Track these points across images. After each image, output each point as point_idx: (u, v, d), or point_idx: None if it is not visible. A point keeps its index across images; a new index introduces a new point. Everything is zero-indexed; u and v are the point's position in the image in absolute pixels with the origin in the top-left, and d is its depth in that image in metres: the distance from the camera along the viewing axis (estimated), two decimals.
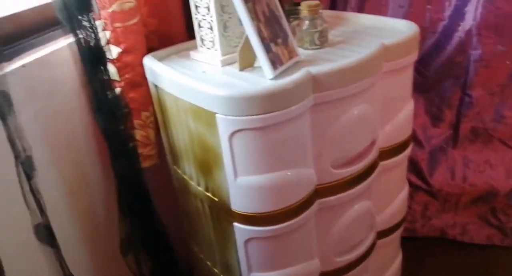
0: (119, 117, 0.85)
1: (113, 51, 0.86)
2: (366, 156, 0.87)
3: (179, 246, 1.14)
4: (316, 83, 0.73)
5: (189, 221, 1.01)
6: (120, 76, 0.88)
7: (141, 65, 0.88)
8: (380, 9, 1.27)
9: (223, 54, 0.84)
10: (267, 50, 0.74)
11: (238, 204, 0.78)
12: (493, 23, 1.22)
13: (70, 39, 0.84)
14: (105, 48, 0.83)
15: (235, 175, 0.74)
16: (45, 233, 0.70)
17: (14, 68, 0.73)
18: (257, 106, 0.68)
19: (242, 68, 0.80)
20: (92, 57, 0.80)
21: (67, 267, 0.75)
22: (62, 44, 0.82)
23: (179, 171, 0.94)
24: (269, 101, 0.69)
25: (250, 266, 0.85)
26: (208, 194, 0.84)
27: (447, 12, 1.25)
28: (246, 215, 0.78)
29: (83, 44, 0.78)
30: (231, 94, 0.68)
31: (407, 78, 0.92)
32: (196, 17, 0.84)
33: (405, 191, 1.08)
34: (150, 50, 0.92)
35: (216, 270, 0.99)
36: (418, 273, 1.32)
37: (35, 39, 0.82)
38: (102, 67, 0.81)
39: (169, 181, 1.03)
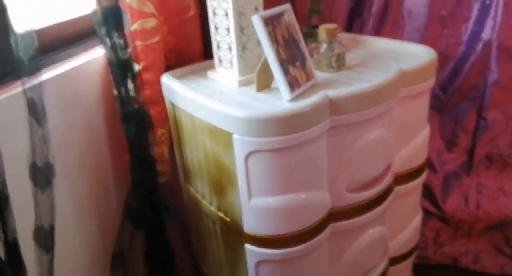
0: (144, 128, 0.88)
1: (135, 68, 0.87)
2: (381, 180, 0.86)
3: (186, 266, 1.13)
4: (333, 106, 0.73)
5: (199, 240, 1.01)
6: (139, 92, 0.88)
7: (159, 83, 0.89)
8: (396, 33, 1.27)
9: (241, 75, 0.85)
10: (285, 72, 0.75)
11: (250, 225, 0.77)
12: (509, 47, 1.21)
13: (92, 56, 0.86)
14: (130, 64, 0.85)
15: (249, 196, 0.74)
16: (45, 236, 0.70)
17: (35, 83, 0.74)
18: (274, 128, 0.68)
19: (259, 89, 0.80)
20: (121, 70, 0.83)
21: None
22: (87, 59, 0.84)
23: (191, 189, 0.93)
24: (286, 123, 0.69)
25: None
26: (220, 214, 0.83)
27: (464, 37, 1.26)
28: (258, 237, 0.77)
29: (115, 58, 0.82)
30: (249, 115, 0.68)
31: (423, 103, 0.91)
32: (215, 38, 0.85)
33: (418, 218, 1.06)
34: (167, 67, 0.93)
35: None
36: None
37: (60, 53, 0.84)
38: (129, 80, 0.84)
39: (179, 199, 1.02)
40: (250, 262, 0.81)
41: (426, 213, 1.45)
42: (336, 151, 0.77)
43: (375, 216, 0.87)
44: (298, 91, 0.77)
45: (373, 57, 0.94)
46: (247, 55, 0.85)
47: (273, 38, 0.74)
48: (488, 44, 1.23)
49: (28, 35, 0.78)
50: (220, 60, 0.88)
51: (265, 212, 0.75)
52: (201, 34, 0.99)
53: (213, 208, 0.86)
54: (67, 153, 0.82)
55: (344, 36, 1.08)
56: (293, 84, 0.76)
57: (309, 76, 0.81)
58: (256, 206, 0.74)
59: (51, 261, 0.72)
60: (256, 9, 0.83)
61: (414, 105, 0.88)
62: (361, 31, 1.28)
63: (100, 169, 0.91)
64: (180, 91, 0.81)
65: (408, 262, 1.07)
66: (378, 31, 1.26)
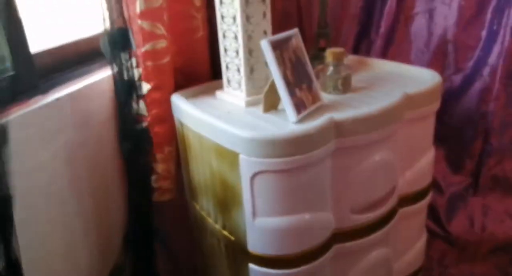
0: (143, 150, 0.88)
1: (143, 88, 0.89)
2: (385, 202, 0.86)
3: None
4: (338, 129, 0.74)
5: (203, 258, 1.01)
6: (148, 111, 0.90)
7: (168, 102, 0.91)
8: (402, 55, 1.29)
9: (248, 95, 0.86)
10: (292, 94, 0.76)
11: (254, 245, 0.78)
12: None
13: (104, 74, 0.88)
14: (137, 84, 0.87)
15: (254, 215, 0.75)
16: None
17: (48, 101, 0.76)
18: (280, 149, 0.70)
19: (266, 111, 0.82)
20: (125, 90, 0.85)
21: None
22: (95, 79, 0.86)
23: (197, 207, 0.94)
24: (292, 145, 0.70)
25: None
26: (225, 232, 0.84)
27: (470, 61, 1.27)
28: (262, 256, 0.77)
29: (119, 78, 0.83)
30: (255, 136, 0.70)
31: (428, 126, 0.92)
32: (224, 60, 0.88)
33: (423, 239, 1.06)
34: (175, 86, 0.95)
35: None
36: None
37: (69, 73, 0.86)
38: (133, 101, 0.86)
39: (184, 216, 1.03)
40: None
41: (432, 234, 1.44)
42: (341, 173, 0.78)
43: (379, 238, 0.87)
44: (304, 113, 0.78)
45: (379, 80, 0.96)
46: (255, 77, 0.86)
47: (281, 61, 0.76)
48: (494, 70, 1.24)
49: (40, 55, 0.82)
50: (228, 81, 0.90)
51: (270, 232, 0.75)
52: (209, 55, 1.01)
53: (218, 226, 0.86)
54: (76, 171, 0.83)
55: (351, 58, 1.10)
56: (299, 106, 0.77)
57: (315, 98, 0.82)
58: (261, 225, 0.75)
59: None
60: (265, 33, 0.86)
61: (419, 127, 0.89)
62: (368, 52, 1.30)
63: (108, 187, 0.92)
64: (188, 111, 0.83)
65: None
66: (384, 53, 1.28)
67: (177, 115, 0.89)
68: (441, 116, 1.34)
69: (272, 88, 0.78)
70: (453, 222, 1.44)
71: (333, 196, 0.79)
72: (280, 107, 0.83)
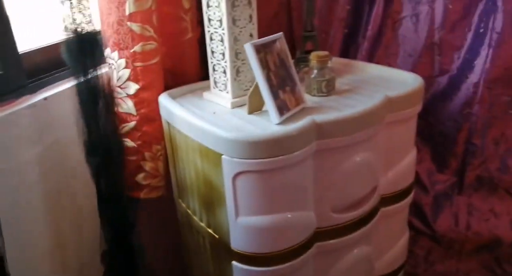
0: (115, 164, 0.87)
1: (132, 88, 0.91)
2: (367, 202, 0.89)
3: None
4: (319, 130, 0.76)
5: (189, 255, 1.03)
6: (136, 110, 0.92)
7: (156, 102, 0.93)
8: (389, 57, 1.31)
9: (234, 97, 0.88)
10: (275, 97, 0.78)
11: (237, 243, 0.80)
12: (501, 76, 1.25)
13: (92, 74, 0.89)
14: (107, 93, 0.84)
15: (236, 214, 0.77)
16: None
17: (36, 101, 0.78)
18: (261, 150, 0.72)
19: (250, 112, 0.84)
20: (92, 101, 0.81)
21: None
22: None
23: (183, 204, 0.97)
24: (273, 146, 0.72)
25: None
26: (210, 230, 0.87)
27: (456, 64, 1.29)
28: (245, 254, 0.80)
29: (85, 88, 0.80)
30: (237, 138, 0.72)
31: (410, 128, 0.95)
32: (211, 62, 0.90)
33: (405, 237, 1.09)
34: (164, 86, 0.97)
35: None
36: None
37: (58, 74, 0.88)
38: (102, 112, 0.82)
39: (174, 214, 1.05)
40: None
41: (417, 232, 1.47)
42: (322, 173, 0.80)
43: (360, 236, 0.90)
44: (287, 114, 0.80)
45: (363, 82, 0.98)
46: (241, 79, 0.89)
47: (264, 64, 0.78)
48: (479, 73, 1.26)
49: (29, 54, 0.82)
50: (215, 82, 0.92)
51: (252, 230, 0.78)
52: (199, 56, 1.03)
53: (203, 224, 0.89)
54: (64, 170, 0.85)
55: (337, 61, 1.12)
56: (282, 108, 0.79)
57: (298, 101, 0.84)
58: (243, 224, 0.77)
59: None
60: (251, 36, 0.88)
61: (400, 129, 0.91)
62: (355, 54, 1.32)
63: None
64: (174, 111, 0.85)
65: None
66: (371, 56, 1.30)
67: (164, 114, 0.91)
68: (427, 117, 1.37)
69: (256, 90, 0.80)
70: (439, 220, 1.46)
71: (314, 195, 0.81)
72: (264, 108, 0.85)
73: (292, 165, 0.75)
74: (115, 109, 0.91)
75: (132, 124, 0.93)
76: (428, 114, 1.36)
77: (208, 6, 0.85)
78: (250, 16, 0.86)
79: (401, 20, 1.26)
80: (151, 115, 0.94)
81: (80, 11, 0.77)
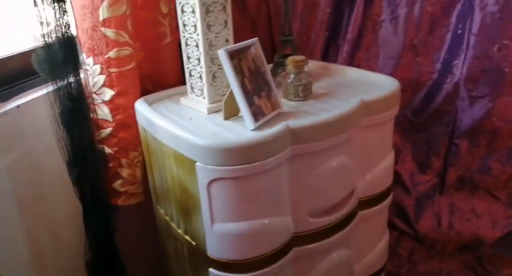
0: (97, 173, 0.86)
1: (107, 94, 0.90)
2: (344, 205, 0.89)
3: None
4: (294, 136, 0.76)
5: (168, 262, 1.03)
6: (112, 116, 0.92)
7: (132, 108, 0.92)
8: (370, 60, 1.31)
9: (211, 102, 0.88)
10: (250, 102, 0.78)
11: (214, 250, 0.79)
12: (478, 76, 1.26)
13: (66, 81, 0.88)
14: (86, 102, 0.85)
15: (212, 221, 0.77)
16: None
17: (8, 108, 0.77)
18: (235, 157, 0.71)
19: (226, 118, 0.84)
20: (70, 110, 0.81)
21: None
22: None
23: (162, 211, 0.96)
24: (247, 153, 0.72)
25: None
26: (187, 237, 0.86)
27: (436, 65, 1.30)
28: (221, 261, 0.79)
29: (63, 96, 0.79)
30: (210, 145, 0.71)
31: (387, 131, 0.95)
32: (187, 67, 0.89)
33: (385, 239, 1.09)
34: (144, 91, 0.97)
35: None
36: None
37: (31, 81, 0.87)
38: (80, 121, 0.82)
39: (153, 220, 1.05)
40: None
41: (400, 232, 1.48)
42: (298, 178, 0.80)
43: (339, 240, 0.90)
44: (262, 120, 0.80)
45: (340, 86, 0.98)
46: (217, 84, 0.88)
47: (239, 70, 0.78)
48: (459, 73, 1.27)
49: (2, 61, 0.81)
50: (192, 88, 0.91)
51: (227, 237, 0.77)
52: (178, 61, 1.02)
53: (180, 231, 0.88)
54: (38, 178, 0.84)
55: (316, 64, 1.12)
56: (257, 113, 0.79)
57: (274, 106, 0.84)
58: (219, 231, 0.77)
59: None
60: (227, 41, 0.87)
61: (377, 132, 0.92)
62: (336, 57, 1.32)
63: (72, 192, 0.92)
64: (149, 117, 0.85)
65: None
66: (352, 58, 1.31)
67: (140, 121, 0.91)
68: (409, 117, 1.38)
69: (231, 96, 0.80)
70: (421, 220, 1.48)
71: (291, 201, 0.81)
72: (241, 114, 0.85)
73: (267, 171, 0.75)
74: (92, 115, 0.90)
75: (108, 130, 0.92)
76: (410, 114, 1.37)
77: (182, 11, 0.85)
78: (226, 22, 0.86)
79: (381, 22, 1.26)
80: (127, 121, 0.93)
81: (60, 16, 0.76)
